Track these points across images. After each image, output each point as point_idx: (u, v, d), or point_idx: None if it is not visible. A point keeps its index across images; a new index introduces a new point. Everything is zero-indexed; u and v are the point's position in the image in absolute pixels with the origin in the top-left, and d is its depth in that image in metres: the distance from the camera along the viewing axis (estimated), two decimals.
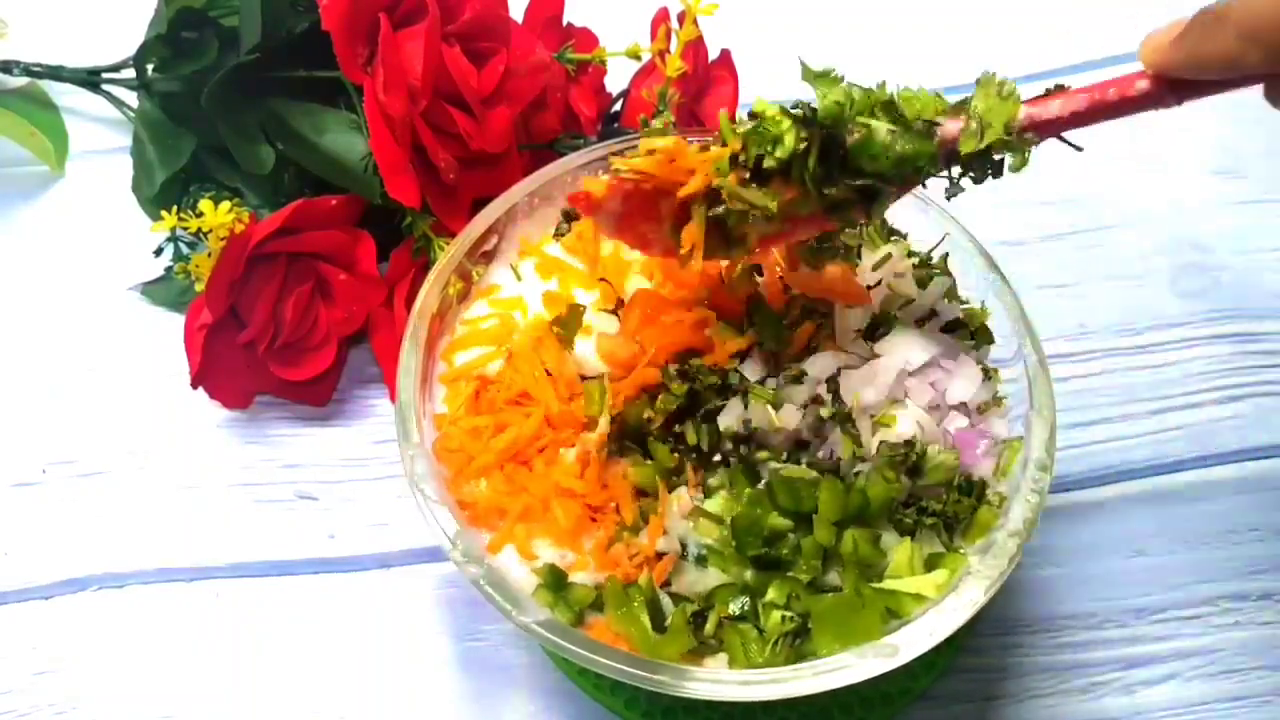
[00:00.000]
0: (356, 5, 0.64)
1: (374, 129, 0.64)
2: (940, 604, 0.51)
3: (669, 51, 0.72)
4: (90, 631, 0.65)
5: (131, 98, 0.84)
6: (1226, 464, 0.72)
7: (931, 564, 0.54)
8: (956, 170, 0.50)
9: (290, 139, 0.72)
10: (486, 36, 0.68)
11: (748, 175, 0.50)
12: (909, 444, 0.55)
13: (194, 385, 0.68)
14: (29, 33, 0.90)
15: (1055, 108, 0.46)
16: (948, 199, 0.52)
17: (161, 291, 0.78)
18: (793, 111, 0.49)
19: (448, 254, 0.62)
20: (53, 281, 0.80)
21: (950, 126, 0.48)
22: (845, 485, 0.55)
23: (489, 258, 0.64)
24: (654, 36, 0.74)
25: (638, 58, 0.76)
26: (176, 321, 0.73)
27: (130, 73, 0.81)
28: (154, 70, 0.80)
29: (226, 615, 0.66)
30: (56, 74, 0.85)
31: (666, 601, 0.54)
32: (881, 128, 0.48)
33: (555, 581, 0.54)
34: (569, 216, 0.66)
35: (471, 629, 0.65)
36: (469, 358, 0.61)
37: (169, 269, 0.76)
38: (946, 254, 0.63)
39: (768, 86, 0.88)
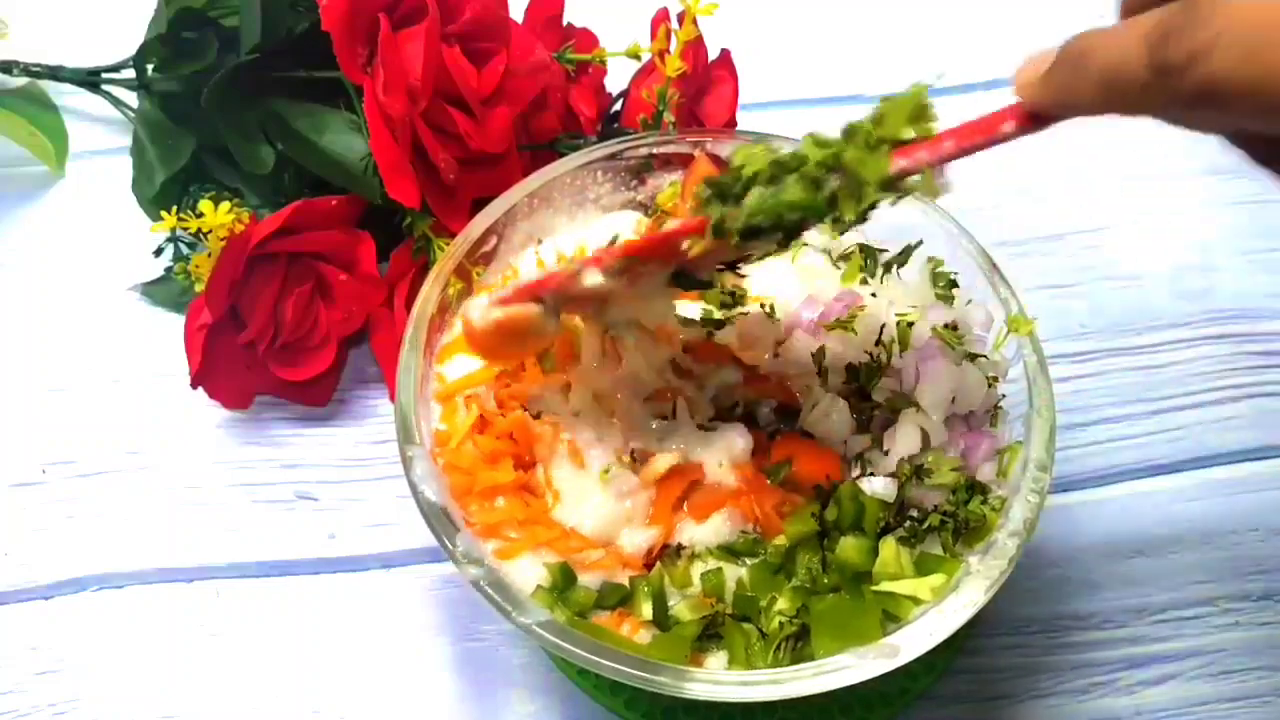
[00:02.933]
0: (356, 5, 0.64)
1: (374, 129, 0.64)
2: (940, 604, 0.51)
3: (669, 51, 0.72)
4: (90, 631, 0.65)
5: (131, 98, 0.84)
6: (1226, 464, 0.72)
7: (928, 567, 0.54)
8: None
9: (290, 139, 0.72)
10: (486, 36, 0.68)
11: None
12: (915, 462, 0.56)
13: (194, 385, 0.68)
14: (29, 33, 0.90)
15: (923, 157, 0.46)
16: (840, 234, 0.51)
17: (161, 291, 0.78)
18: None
19: (447, 255, 0.62)
20: (53, 281, 0.80)
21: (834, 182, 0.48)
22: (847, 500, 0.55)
23: (488, 259, 0.65)
24: (654, 36, 0.74)
25: (638, 58, 0.76)
26: (176, 321, 0.73)
27: (130, 73, 0.81)
28: (154, 70, 0.80)
29: (226, 615, 0.66)
30: (56, 74, 0.85)
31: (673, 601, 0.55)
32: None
33: (564, 580, 0.54)
34: None
35: (471, 629, 0.65)
36: (463, 369, 0.60)
37: (169, 269, 0.76)
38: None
39: (768, 86, 0.89)
